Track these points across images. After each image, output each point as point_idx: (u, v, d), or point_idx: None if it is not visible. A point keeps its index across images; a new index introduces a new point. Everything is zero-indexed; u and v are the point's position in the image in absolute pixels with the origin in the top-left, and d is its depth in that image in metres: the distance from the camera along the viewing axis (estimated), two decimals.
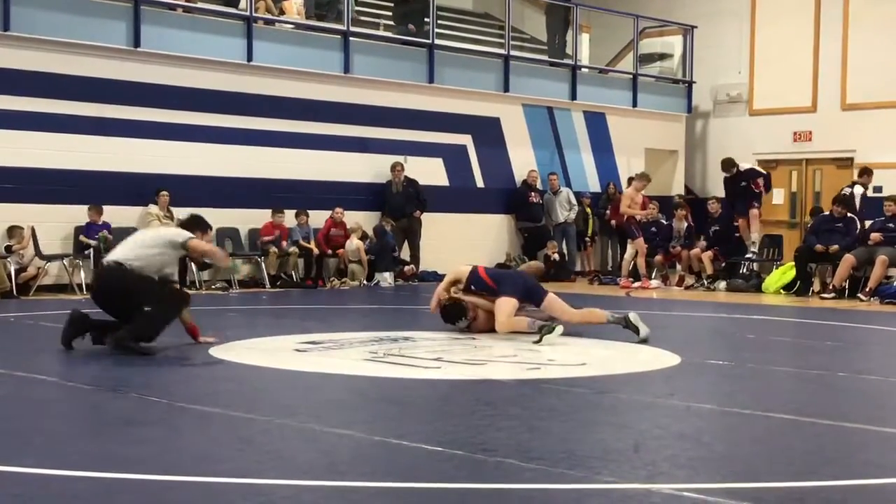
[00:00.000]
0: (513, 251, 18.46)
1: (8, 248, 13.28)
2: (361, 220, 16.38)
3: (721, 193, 17.78)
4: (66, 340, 7.96)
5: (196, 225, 8.37)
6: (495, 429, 5.32)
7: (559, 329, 8.81)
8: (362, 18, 18.04)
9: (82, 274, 13.76)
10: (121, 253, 8.12)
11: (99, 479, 4.29)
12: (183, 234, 8.13)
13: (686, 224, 16.94)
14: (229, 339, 8.63)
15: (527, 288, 9.48)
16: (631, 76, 20.48)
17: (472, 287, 9.46)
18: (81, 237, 13.83)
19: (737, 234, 16.81)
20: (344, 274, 16.03)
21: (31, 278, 13.47)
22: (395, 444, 4.91)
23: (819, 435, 5.37)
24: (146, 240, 8.22)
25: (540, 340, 8.60)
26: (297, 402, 6.34)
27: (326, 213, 16.03)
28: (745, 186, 16.72)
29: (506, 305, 9.19)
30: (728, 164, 17.03)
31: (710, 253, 16.29)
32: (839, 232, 15.20)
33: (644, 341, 8.86)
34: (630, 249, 16.78)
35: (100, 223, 13.89)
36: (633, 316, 9.10)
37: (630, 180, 19.25)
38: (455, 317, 9.45)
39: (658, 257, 16.86)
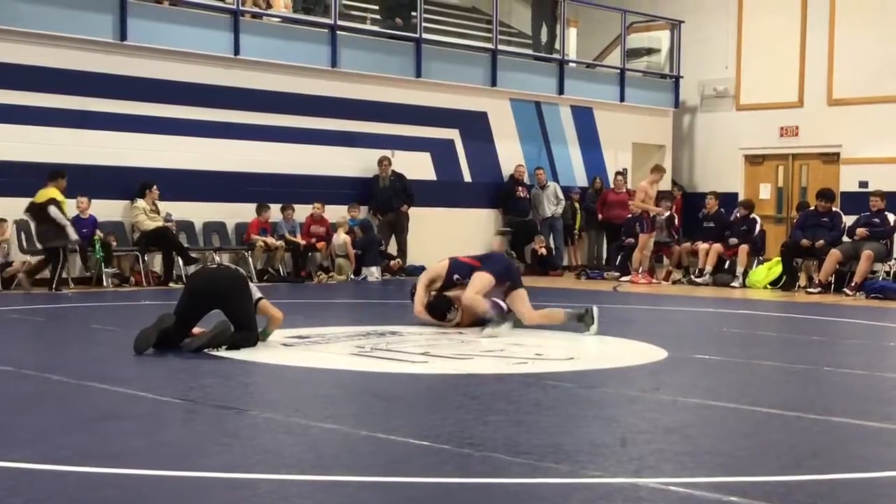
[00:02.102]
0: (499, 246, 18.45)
1: None
2: (348, 214, 16.35)
3: (709, 188, 17.63)
4: (143, 347, 7.51)
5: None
6: (482, 423, 5.31)
7: (508, 325, 8.91)
8: (350, 12, 18.02)
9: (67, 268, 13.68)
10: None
11: (84, 474, 4.27)
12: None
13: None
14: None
15: (508, 267, 9.59)
16: (618, 71, 20.49)
17: (455, 277, 9.42)
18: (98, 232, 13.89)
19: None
20: (328, 269, 16.01)
21: (17, 272, 13.38)
22: (381, 439, 4.91)
23: (805, 429, 5.38)
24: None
25: (483, 329, 8.73)
26: (283, 396, 6.35)
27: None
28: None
29: (480, 280, 9.17)
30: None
31: (719, 246, 16.11)
32: (825, 227, 15.23)
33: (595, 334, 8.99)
34: (641, 243, 16.57)
35: (87, 217, 13.84)
36: (596, 311, 9.16)
37: (618, 175, 19.30)
38: (443, 309, 9.44)
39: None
